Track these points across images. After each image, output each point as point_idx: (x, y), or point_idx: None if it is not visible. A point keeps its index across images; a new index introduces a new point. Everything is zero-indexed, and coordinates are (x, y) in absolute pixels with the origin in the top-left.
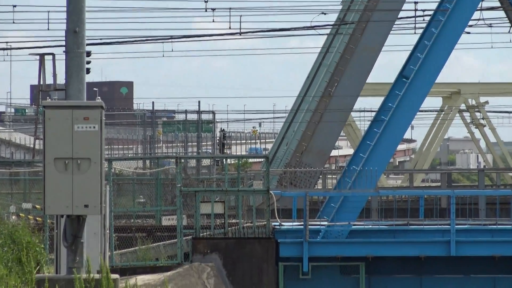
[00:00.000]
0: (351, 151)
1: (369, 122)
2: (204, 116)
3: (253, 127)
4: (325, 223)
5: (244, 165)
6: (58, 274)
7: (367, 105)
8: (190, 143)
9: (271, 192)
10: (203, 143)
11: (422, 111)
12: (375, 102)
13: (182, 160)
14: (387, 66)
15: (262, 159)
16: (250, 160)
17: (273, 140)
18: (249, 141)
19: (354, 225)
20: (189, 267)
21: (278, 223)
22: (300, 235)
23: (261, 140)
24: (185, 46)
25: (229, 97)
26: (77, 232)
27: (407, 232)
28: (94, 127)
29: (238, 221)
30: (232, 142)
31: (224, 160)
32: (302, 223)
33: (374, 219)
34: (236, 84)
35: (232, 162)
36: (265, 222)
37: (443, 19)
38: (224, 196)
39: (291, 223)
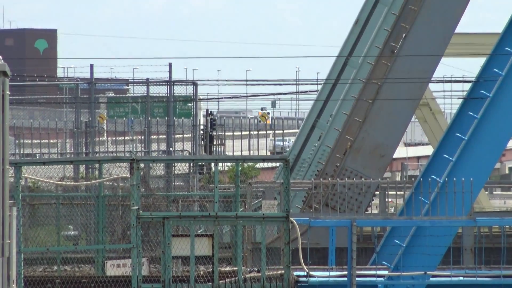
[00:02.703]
0: (428, 150)
1: (460, 101)
2: (180, 90)
3: (261, 109)
4: (385, 272)
5: (247, 173)
6: None
7: (456, 71)
8: (155, 136)
9: (292, 219)
10: (177, 135)
11: None
12: (469, 67)
13: (142, 165)
14: (490, 5)
15: (278, 164)
16: (258, 164)
17: (296, 130)
18: (255, 132)
19: (434, 276)
20: None
21: (304, 273)
22: None
23: (275, 131)
24: None
25: (221, 57)
26: None
27: None
28: None
29: (236, 268)
30: (227, 134)
31: (213, 164)
32: (346, 272)
33: (468, 266)
34: (234, 35)
35: (227, 167)
36: (283, 271)
37: None
38: (212, 226)
39: (326, 273)
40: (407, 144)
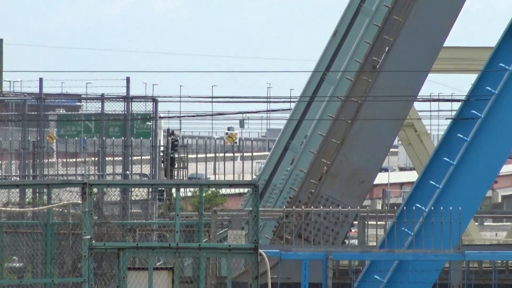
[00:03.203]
0: (413, 177)
1: (448, 122)
2: (138, 107)
3: (228, 129)
4: None
5: (212, 199)
6: None
7: (444, 88)
8: (111, 158)
9: (261, 251)
10: (135, 157)
11: None
12: (459, 84)
13: (95, 189)
14: (482, 15)
15: (247, 190)
16: (223, 190)
17: (267, 153)
18: (221, 154)
19: None
20: None
21: None
22: None
23: (243, 153)
24: None
25: (184, 71)
26: None
27: None
28: None
29: None
30: (190, 156)
31: (174, 189)
32: None
33: None
34: (199, 47)
35: (190, 193)
36: None
37: None
38: (172, 258)
39: None
40: (402, 169)
